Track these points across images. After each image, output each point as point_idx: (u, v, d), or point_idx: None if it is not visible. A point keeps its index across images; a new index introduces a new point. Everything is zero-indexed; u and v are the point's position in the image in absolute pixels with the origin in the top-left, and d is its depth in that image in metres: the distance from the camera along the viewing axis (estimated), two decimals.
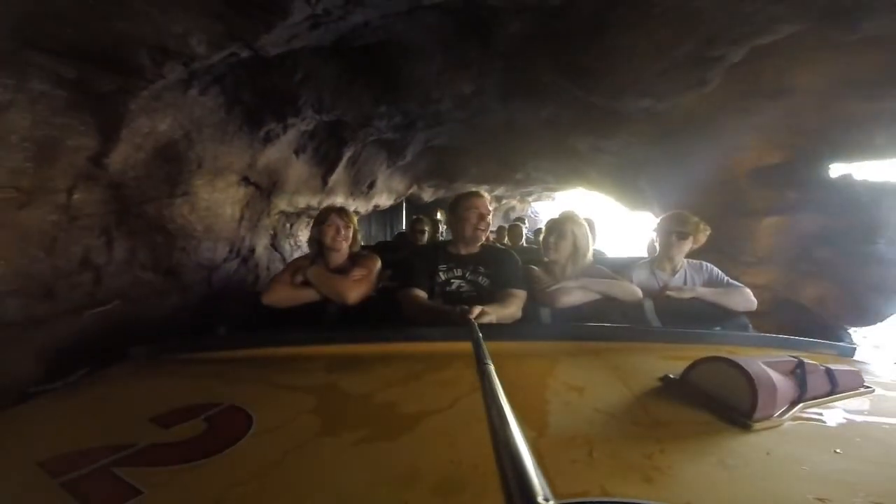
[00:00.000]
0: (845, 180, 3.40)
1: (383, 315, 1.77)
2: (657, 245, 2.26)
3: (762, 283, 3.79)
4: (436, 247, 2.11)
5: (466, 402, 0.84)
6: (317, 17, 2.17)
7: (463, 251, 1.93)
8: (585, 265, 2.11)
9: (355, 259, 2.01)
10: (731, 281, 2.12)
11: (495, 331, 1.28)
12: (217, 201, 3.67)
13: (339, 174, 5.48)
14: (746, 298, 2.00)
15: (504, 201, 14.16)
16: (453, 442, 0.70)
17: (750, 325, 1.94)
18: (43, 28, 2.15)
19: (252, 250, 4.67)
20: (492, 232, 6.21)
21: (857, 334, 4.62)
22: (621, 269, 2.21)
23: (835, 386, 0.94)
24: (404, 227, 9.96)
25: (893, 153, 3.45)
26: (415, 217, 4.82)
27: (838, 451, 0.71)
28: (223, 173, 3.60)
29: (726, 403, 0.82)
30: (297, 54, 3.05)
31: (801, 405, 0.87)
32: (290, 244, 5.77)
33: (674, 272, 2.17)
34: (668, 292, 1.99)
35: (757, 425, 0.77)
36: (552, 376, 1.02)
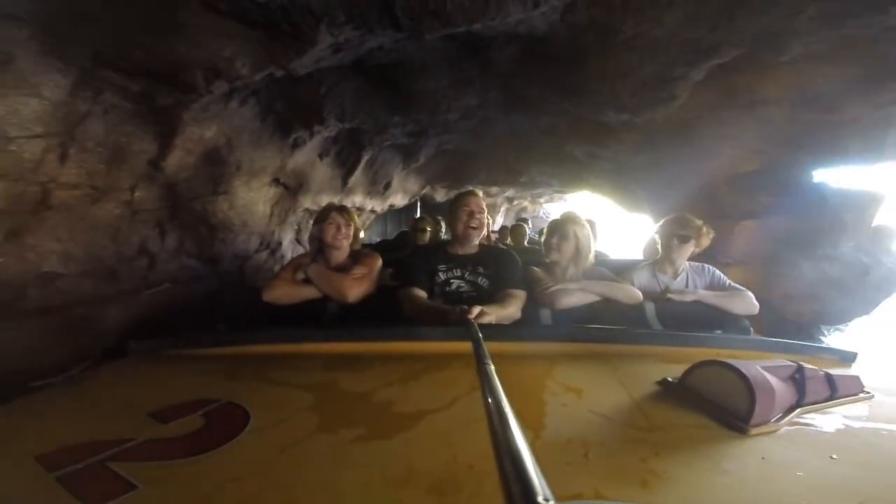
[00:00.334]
0: (814, 186, 3.56)
1: (383, 314, 1.70)
2: (659, 247, 2.17)
3: (738, 282, 3.93)
4: (436, 247, 2.03)
5: (464, 402, 0.82)
6: (339, 44, 2.47)
7: (461, 251, 1.87)
8: (587, 267, 2.05)
9: (356, 257, 1.96)
10: (733, 284, 2.05)
11: (495, 331, 1.25)
12: (252, 199, 4.02)
13: (357, 176, 5.78)
14: (748, 302, 1.93)
15: (515, 202, 14.28)
16: (450, 442, 0.69)
17: (751, 329, 1.89)
18: (116, 50, 2.48)
19: (279, 243, 5.01)
20: (493, 232, 6.34)
21: (833, 335, 4.66)
22: (623, 271, 2.14)
23: (834, 391, 0.92)
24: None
25: (869, 159, 3.60)
26: (416, 216, 4.81)
27: (834, 456, 0.69)
28: (258, 175, 3.95)
29: (724, 408, 0.80)
30: (322, 72, 3.34)
31: (799, 410, 0.84)
32: None
33: (675, 275, 2.09)
34: (670, 295, 1.92)
35: (754, 430, 0.75)
36: (550, 377, 0.99)
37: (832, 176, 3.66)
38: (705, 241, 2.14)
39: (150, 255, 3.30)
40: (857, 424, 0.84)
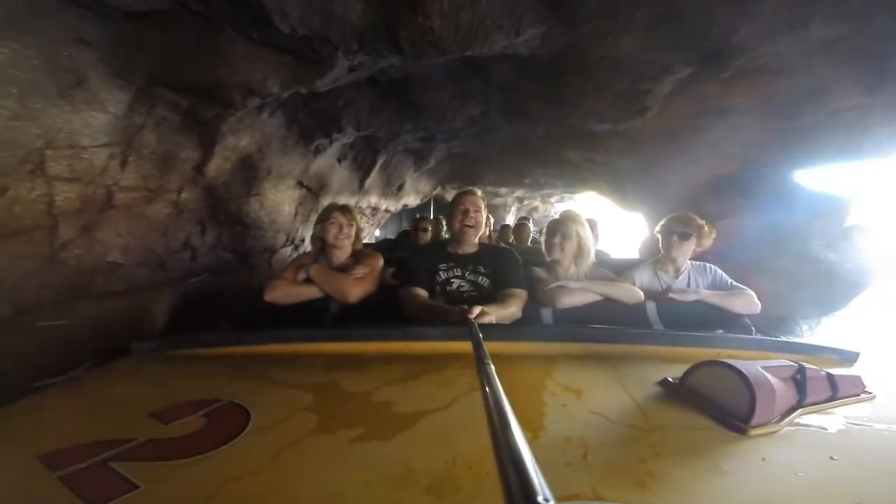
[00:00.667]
0: (787, 188, 3.69)
1: (384, 314, 1.66)
2: (661, 246, 2.09)
3: None
4: (436, 246, 1.97)
5: (463, 402, 0.81)
6: (353, 66, 2.76)
7: (461, 250, 1.82)
8: (588, 266, 2.00)
9: (358, 257, 1.90)
10: (735, 283, 1.98)
11: (495, 331, 1.21)
12: (279, 200, 4.34)
13: (373, 178, 6.07)
14: (750, 301, 1.87)
15: (525, 202, 14.32)
16: (449, 442, 0.67)
17: (753, 328, 1.84)
18: (168, 71, 2.80)
19: (302, 240, 5.33)
20: (494, 231, 6.39)
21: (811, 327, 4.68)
22: (624, 270, 2.08)
23: (835, 391, 0.89)
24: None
25: (846, 160, 3.71)
26: (418, 216, 4.63)
27: (835, 457, 0.67)
28: (284, 178, 4.26)
29: (724, 408, 0.78)
30: (340, 86, 3.62)
31: (800, 410, 0.82)
32: None
33: (677, 274, 2.02)
34: (671, 294, 1.86)
35: (754, 431, 0.73)
36: (550, 378, 0.96)
37: (812, 177, 3.79)
38: (707, 241, 2.07)
39: (193, 249, 3.64)
40: (858, 425, 0.81)
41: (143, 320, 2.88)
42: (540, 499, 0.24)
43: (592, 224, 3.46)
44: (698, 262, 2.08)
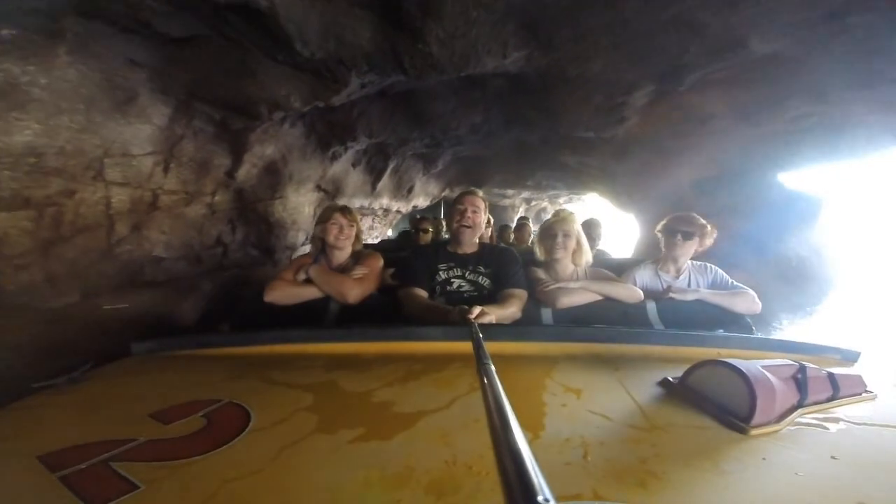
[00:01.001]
0: (764, 189, 3.82)
1: (385, 314, 1.63)
2: (662, 246, 2.03)
3: None
4: (436, 246, 1.91)
5: (463, 402, 0.79)
6: (364, 83, 3.03)
7: (461, 250, 1.77)
8: (587, 265, 1.96)
9: (358, 257, 1.85)
10: (735, 283, 1.92)
11: (495, 331, 1.19)
12: (300, 203, 4.63)
13: (384, 181, 6.35)
14: (751, 301, 1.81)
15: (533, 202, 14.32)
16: (449, 442, 0.65)
17: (754, 328, 1.79)
18: (204, 88, 3.08)
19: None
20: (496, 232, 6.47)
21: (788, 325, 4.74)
22: (624, 270, 2.03)
23: (836, 391, 0.86)
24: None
25: (823, 162, 3.82)
26: (418, 216, 4.58)
27: (836, 457, 0.66)
28: (304, 182, 4.55)
29: (725, 408, 0.76)
30: (354, 99, 3.91)
31: (800, 410, 0.79)
32: None
33: (678, 274, 1.97)
34: (672, 294, 1.81)
35: (755, 430, 0.71)
36: (550, 378, 0.94)
37: (790, 178, 3.90)
38: (708, 241, 2.02)
39: (224, 245, 3.94)
40: (858, 425, 0.78)
41: (184, 307, 3.18)
42: (540, 499, 0.24)
43: (595, 224, 3.52)
44: (699, 262, 2.02)
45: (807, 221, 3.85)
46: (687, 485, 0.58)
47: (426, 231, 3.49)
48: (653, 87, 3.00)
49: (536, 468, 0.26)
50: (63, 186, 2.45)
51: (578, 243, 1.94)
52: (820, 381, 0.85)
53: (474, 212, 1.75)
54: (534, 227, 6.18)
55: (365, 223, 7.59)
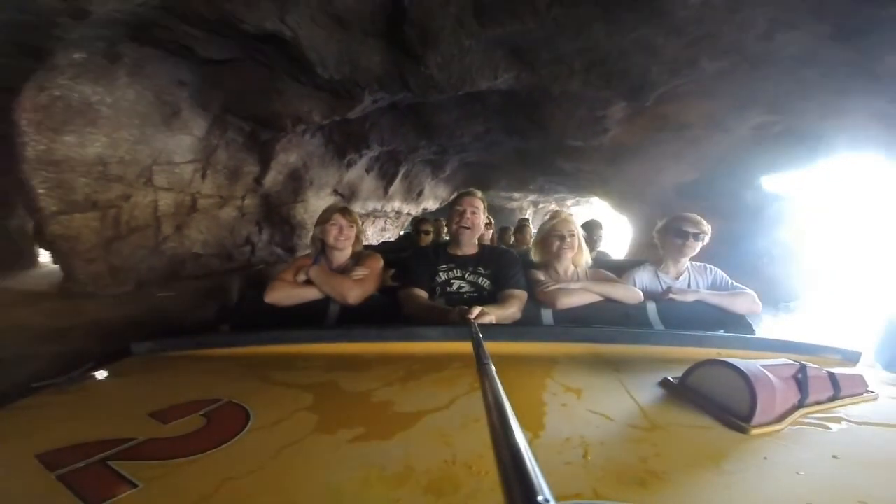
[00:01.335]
0: (740, 192, 3.99)
1: (385, 315, 1.60)
2: (664, 246, 1.95)
3: None
4: (436, 247, 1.89)
5: (463, 402, 0.77)
6: (376, 99, 3.33)
7: (461, 251, 1.74)
8: (587, 267, 1.92)
9: (358, 258, 1.82)
10: (735, 284, 1.87)
11: (495, 331, 1.17)
12: (320, 206, 4.91)
13: (396, 185, 6.67)
14: (751, 302, 1.76)
15: (541, 205, 14.33)
16: (448, 442, 0.63)
17: (754, 328, 1.75)
18: (237, 104, 3.40)
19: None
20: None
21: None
22: (624, 271, 1.98)
23: (837, 391, 0.84)
24: None
25: (793, 166, 3.95)
26: (418, 218, 4.65)
27: (836, 457, 0.64)
28: (323, 187, 4.87)
29: (725, 408, 0.74)
30: (367, 112, 4.22)
31: (801, 410, 0.77)
32: (362, 236, 7.11)
33: (678, 275, 1.91)
34: (672, 295, 1.75)
35: (755, 430, 0.69)
36: (550, 378, 0.92)
37: (765, 182, 4.06)
38: (707, 241, 1.96)
39: (252, 244, 4.26)
40: (860, 424, 0.76)
41: (219, 297, 3.52)
42: (540, 498, 0.23)
43: (596, 225, 3.54)
44: (698, 263, 1.96)
45: (779, 222, 3.99)
46: (687, 484, 0.56)
47: (427, 232, 3.47)
48: (624, 102, 3.27)
49: (536, 468, 0.26)
50: (122, 191, 2.79)
51: (579, 244, 1.89)
52: (821, 381, 0.82)
53: (473, 213, 1.72)
54: (533, 230, 6.35)
55: (378, 225, 7.91)
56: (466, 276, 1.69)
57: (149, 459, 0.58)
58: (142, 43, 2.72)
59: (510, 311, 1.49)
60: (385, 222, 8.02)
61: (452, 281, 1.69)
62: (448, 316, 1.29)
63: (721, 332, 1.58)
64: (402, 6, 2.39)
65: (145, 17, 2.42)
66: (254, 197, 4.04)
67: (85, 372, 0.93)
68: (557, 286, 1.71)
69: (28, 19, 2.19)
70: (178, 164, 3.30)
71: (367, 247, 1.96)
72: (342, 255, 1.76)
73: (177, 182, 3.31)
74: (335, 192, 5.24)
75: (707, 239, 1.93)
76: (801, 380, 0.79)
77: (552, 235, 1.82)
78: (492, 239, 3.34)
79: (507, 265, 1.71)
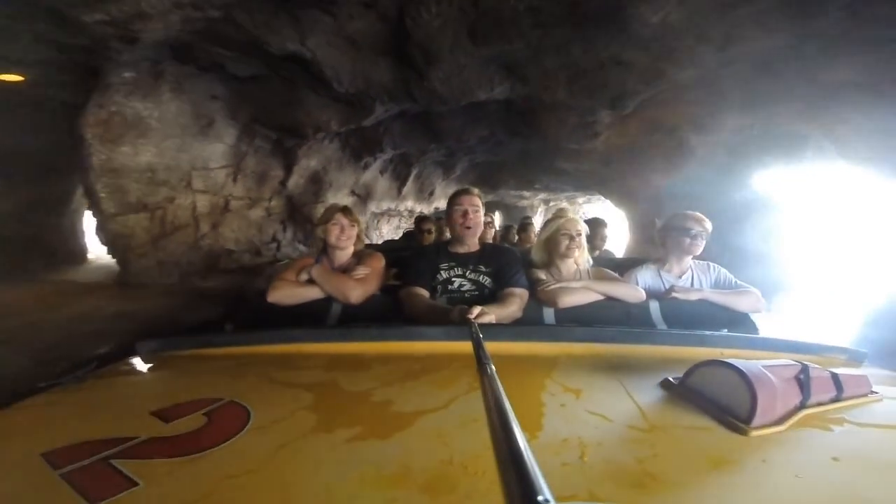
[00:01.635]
0: (725, 191, 4.05)
1: (386, 314, 1.58)
2: (668, 244, 1.87)
3: None
4: (437, 246, 1.87)
5: (462, 402, 0.74)
6: (387, 109, 3.59)
7: (461, 250, 1.72)
8: (588, 266, 1.87)
9: (360, 257, 1.79)
10: (739, 283, 1.81)
11: (495, 331, 1.15)
12: None
13: (409, 186, 6.96)
14: (755, 300, 1.71)
15: (552, 203, 14.23)
16: (446, 442, 0.61)
17: (758, 328, 1.70)
18: (264, 115, 3.69)
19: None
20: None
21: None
22: (626, 270, 1.92)
23: (840, 391, 0.81)
24: None
25: (774, 166, 3.98)
26: (421, 216, 4.34)
27: (837, 458, 0.60)
28: (341, 189, 5.15)
29: (726, 408, 0.71)
30: (380, 119, 4.47)
31: (803, 411, 0.74)
32: (376, 234, 7.41)
33: (681, 274, 1.85)
34: (675, 293, 1.70)
35: (756, 431, 0.65)
36: (550, 378, 0.89)
37: (752, 181, 4.14)
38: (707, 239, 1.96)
39: (278, 241, 4.55)
40: (862, 426, 0.74)
41: (249, 288, 3.83)
42: (540, 499, 0.22)
43: (601, 223, 3.31)
44: (701, 262, 1.90)
45: (763, 219, 4.05)
46: (685, 486, 0.54)
47: (429, 231, 3.40)
48: (606, 110, 3.46)
49: (536, 468, 0.24)
50: (167, 194, 3.12)
51: (581, 244, 1.84)
52: (823, 382, 0.80)
53: (475, 211, 1.68)
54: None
55: (392, 223, 8.19)
56: (468, 274, 1.67)
57: (150, 458, 0.58)
58: (181, 62, 3.04)
59: (510, 309, 1.46)
60: (399, 221, 8.29)
61: (454, 279, 1.67)
62: (448, 315, 1.26)
63: (724, 332, 1.55)
64: (405, 30, 2.64)
65: (184, 40, 2.71)
66: (279, 198, 4.35)
67: (89, 371, 0.92)
68: (559, 285, 1.67)
69: (85, 43, 2.50)
70: (212, 169, 3.62)
71: (368, 246, 2.01)
72: (344, 255, 1.73)
73: (212, 185, 3.63)
74: (352, 192, 5.52)
75: (707, 237, 1.90)
76: (802, 380, 0.77)
77: (561, 234, 1.75)
78: (494, 237, 3.34)
79: (508, 263, 1.67)
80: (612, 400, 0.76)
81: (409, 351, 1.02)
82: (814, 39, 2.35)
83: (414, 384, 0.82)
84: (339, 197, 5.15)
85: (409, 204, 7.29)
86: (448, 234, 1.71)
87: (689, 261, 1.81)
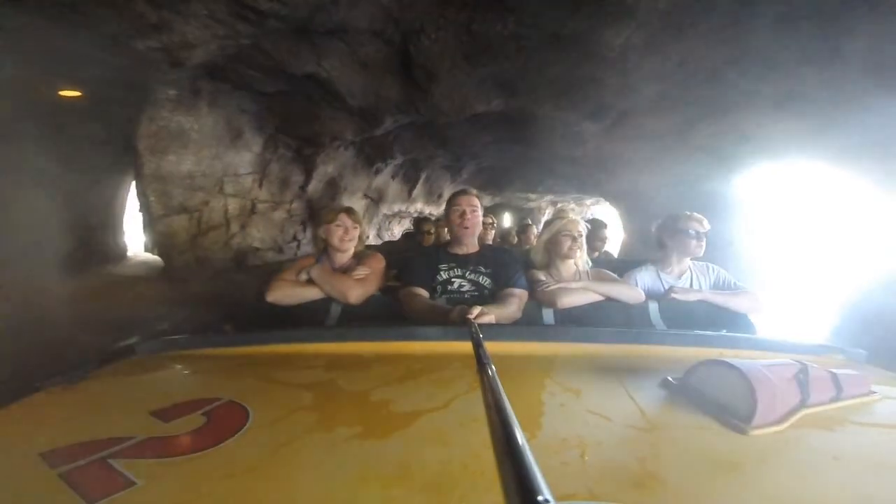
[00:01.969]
0: (708, 192, 4.21)
1: (386, 314, 1.56)
2: (670, 245, 1.83)
3: None
4: (437, 247, 1.86)
5: (461, 401, 0.72)
6: (396, 120, 3.89)
7: (461, 251, 1.70)
8: (587, 266, 1.86)
9: (360, 258, 1.76)
10: (738, 283, 1.80)
11: (495, 331, 1.14)
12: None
13: (418, 189, 7.24)
14: (754, 301, 1.70)
15: (559, 205, 14.40)
16: (446, 441, 0.60)
17: (757, 328, 1.70)
18: (286, 126, 4.01)
19: (368, 236, 6.54)
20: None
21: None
22: (625, 271, 1.90)
23: (840, 391, 0.79)
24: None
25: (747, 169, 4.12)
26: (420, 217, 4.70)
27: (836, 458, 0.60)
28: (355, 192, 5.46)
29: (726, 408, 0.69)
30: (390, 129, 4.77)
31: (803, 411, 0.71)
32: (388, 234, 7.73)
33: (680, 274, 1.83)
34: (674, 294, 1.68)
35: (755, 431, 0.64)
36: (550, 378, 0.87)
37: (737, 183, 4.31)
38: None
39: (298, 241, 4.87)
40: (862, 425, 0.72)
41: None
42: (540, 499, 0.21)
43: (601, 224, 3.53)
44: (701, 262, 1.87)
45: (747, 219, 4.22)
46: (685, 485, 0.53)
47: (429, 232, 3.39)
48: (588, 122, 3.71)
49: (536, 468, 0.24)
50: (203, 198, 3.47)
51: (581, 245, 1.82)
52: (823, 382, 0.79)
53: (473, 212, 1.66)
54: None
55: (403, 224, 8.49)
56: (467, 274, 1.64)
57: (148, 457, 0.57)
58: (215, 80, 3.38)
59: (510, 310, 1.45)
60: (410, 222, 8.59)
61: (453, 280, 1.64)
62: (448, 315, 1.25)
63: (723, 332, 1.52)
64: (409, 53, 2.94)
65: (219, 63, 3.04)
66: (299, 202, 4.67)
67: (88, 371, 0.91)
68: (558, 285, 1.65)
69: (136, 64, 2.85)
70: (241, 175, 3.97)
71: (369, 246, 1.97)
72: (345, 256, 1.70)
73: (240, 190, 3.97)
74: (365, 195, 5.84)
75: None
76: (802, 380, 0.76)
77: (562, 235, 1.73)
78: (494, 238, 3.33)
79: (507, 264, 1.66)
80: (611, 400, 0.75)
81: (409, 351, 1.01)
82: (750, 55, 2.59)
83: (413, 384, 0.81)
84: (354, 200, 5.47)
85: (419, 206, 7.58)
86: (447, 236, 1.73)
87: (688, 262, 1.80)
